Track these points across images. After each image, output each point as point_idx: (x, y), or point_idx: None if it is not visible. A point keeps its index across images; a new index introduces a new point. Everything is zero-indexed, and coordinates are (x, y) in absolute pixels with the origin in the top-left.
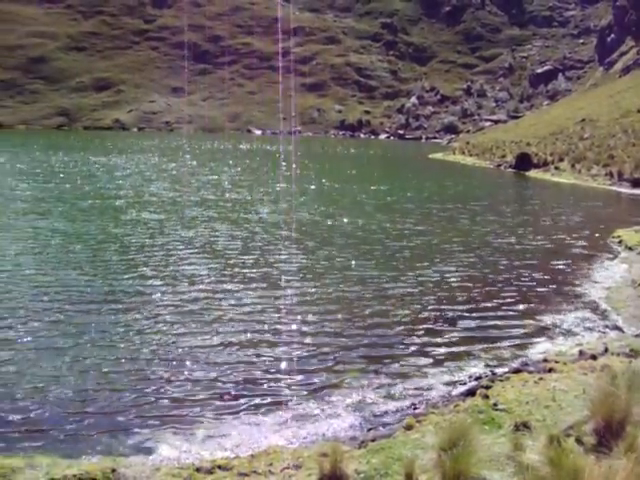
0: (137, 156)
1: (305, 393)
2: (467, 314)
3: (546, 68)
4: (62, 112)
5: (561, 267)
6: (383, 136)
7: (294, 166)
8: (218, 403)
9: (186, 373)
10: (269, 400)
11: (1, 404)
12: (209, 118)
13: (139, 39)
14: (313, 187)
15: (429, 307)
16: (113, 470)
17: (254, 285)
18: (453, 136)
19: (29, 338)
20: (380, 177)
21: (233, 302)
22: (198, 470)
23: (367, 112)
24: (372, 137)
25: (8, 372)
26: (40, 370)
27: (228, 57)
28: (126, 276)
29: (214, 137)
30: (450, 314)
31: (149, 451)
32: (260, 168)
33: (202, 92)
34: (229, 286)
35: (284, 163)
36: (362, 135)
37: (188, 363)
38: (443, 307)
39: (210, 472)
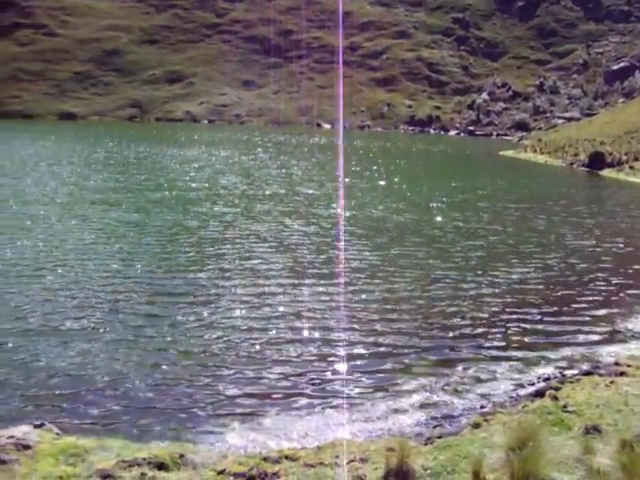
0: (208, 148)
1: (372, 388)
2: (539, 315)
3: (622, 64)
4: (134, 104)
5: (637, 270)
6: (453, 132)
7: (364, 161)
8: (285, 395)
9: (255, 366)
10: (336, 394)
11: (77, 391)
12: (279, 111)
13: (211, 32)
14: (383, 183)
15: (500, 307)
16: (181, 455)
17: (324, 282)
18: (524, 133)
19: (103, 330)
20: (451, 174)
21: (303, 299)
22: (265, 459)
23: (437, 107)
24: (442, 133)
25: (83, 362)
26: (113, 360)
27: (299, 51)
28: (196, 270)
29: (284, 130)
30: (521, 315)
31: (217, 439)
32: (330, 162)
33: (273, 85)
34: (299, 283)
35: (354, 158)
36: (432, 131)
37: (257, 356)
38: (515, 308)
39: (277, 462)
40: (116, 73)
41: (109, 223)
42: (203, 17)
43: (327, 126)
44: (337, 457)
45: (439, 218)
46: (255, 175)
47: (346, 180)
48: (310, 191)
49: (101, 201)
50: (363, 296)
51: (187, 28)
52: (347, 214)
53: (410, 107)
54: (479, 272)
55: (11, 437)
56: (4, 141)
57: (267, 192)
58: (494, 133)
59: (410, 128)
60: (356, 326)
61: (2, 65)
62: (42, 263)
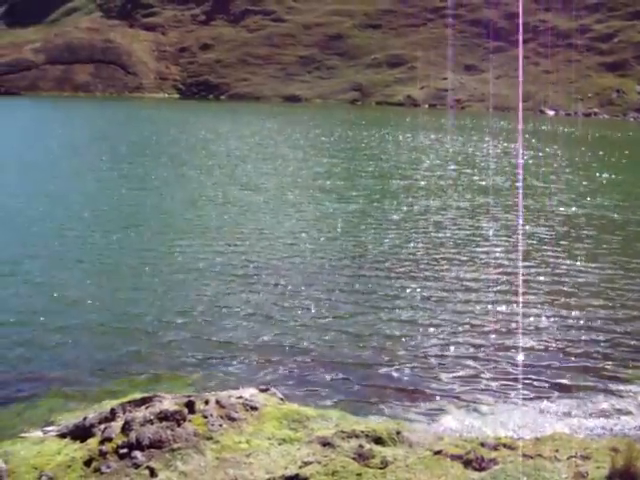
0: (432, 134)
1: (594, 386)
2: None
3: None
4: (356, 87)
5: None
6: None
7: (587, 152)
8: (502, 384)
9: (471, 355)
10: (554, 387)
11: (299, 361)
12: (501, 97)
13: (434, 16)
14: (606, 175)
15: None
16: (398, 432)
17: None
18: None
19: (317, 312)
20: None
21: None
22: (482, 445)
23: None
24: None
25: (302, 336)
26: (328, 334)
27: (524, 35)
28: (406, 276)
29: (506, 116)
30: None
31: (433, 420)
32: (556, 153)
33: (495, 70)
34: (517, 289)
35: (583, 148)
36: None
37: (473, 347)
38: None
39: (494, 448)
40: (339, 57)
41: (324, 213)
42: (426, 1)
43: (551, 113)
44: (557, 451)
45: None
46: (480, 165)
47: (576, 173)
48: (535, 183)
49: (319, 188)
50: (582, 296)
51: (410, 12)
52: (579, 212)
53: None
54: None
55: (240, 398)
56: (235, 120)
57: (488, 184)
58: None
59: None
60: (578, 324)
61: (233, 50)
62: (252, 256)
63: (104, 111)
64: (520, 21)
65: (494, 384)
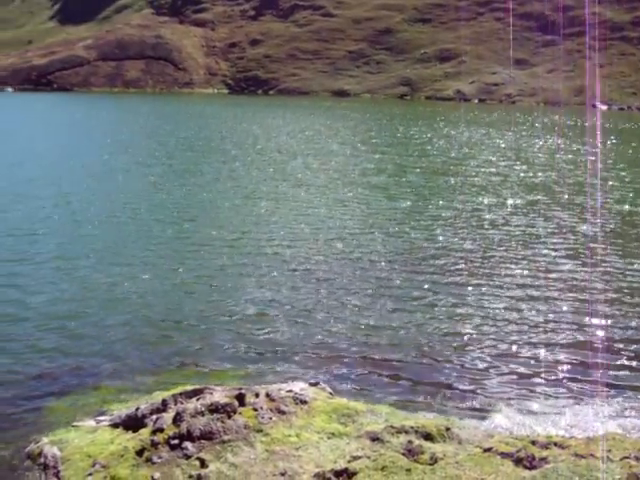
0: (483, 130)
1: None
2: None
3: None
4: (405, 82)
5: None
6: None
7: None
8: (554, 382)
9: (523, 353)
10: (607, 386)
11: (350, 356)
12: (552, 91)
13: (484, 10)
14: None
15: None
16: (447, 429)
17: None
18: None
19: (360, 309)
20: None
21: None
22: (533, 443)
23: None
24: None
25: (351, 333)
26: (374, 334)
27: (576, 28)
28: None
29: (558, 111)
30: None
31: (482, 417)
32: (613, 148)
33: (546, 64)
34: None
35: (634, 144)
36: None
37: (525, 345)
38: None
39: (545, 447)
40: (388, 52)
41: (374, 210)
42: None
43: (603, 107)
44: (609, 451)
45: None
46: (531, 160)
47: (620, 167)
48: (589, 179)
49: (368, 184)
50: (636, 296)
51: (460, 6)
52: (622, 209)
53: None
54: None
55: (290, 391)
56: (284, 115)
57: (541, 180)
58: None
59: None
60: (632, 324)
61: (282, 45)
62: (291, 256)
63: (154, 107)
64: (573, 14)
65: (545, 383)
